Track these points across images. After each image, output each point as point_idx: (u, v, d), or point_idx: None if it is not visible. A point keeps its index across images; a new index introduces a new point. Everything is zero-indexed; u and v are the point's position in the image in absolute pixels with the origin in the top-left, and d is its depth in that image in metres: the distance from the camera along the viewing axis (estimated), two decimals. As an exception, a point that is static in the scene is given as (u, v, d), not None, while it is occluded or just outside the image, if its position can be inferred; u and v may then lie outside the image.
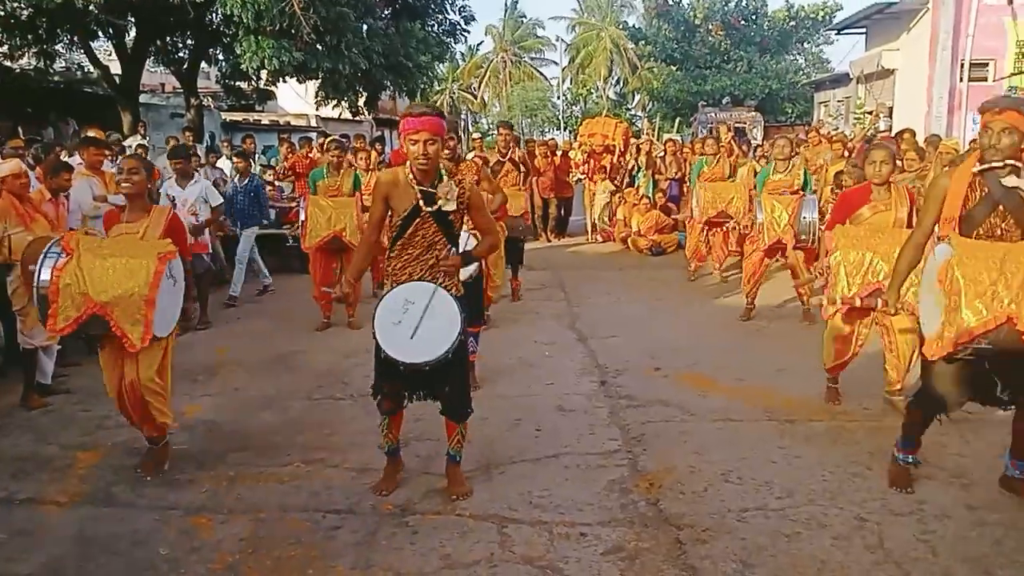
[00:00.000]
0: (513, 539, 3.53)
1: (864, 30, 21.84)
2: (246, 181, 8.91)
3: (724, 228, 9.58)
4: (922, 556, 3.32)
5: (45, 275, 3.90)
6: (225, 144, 13.72)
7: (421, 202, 3.66)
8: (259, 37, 12.31)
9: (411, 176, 3.67)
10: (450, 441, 3.96)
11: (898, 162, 7.60)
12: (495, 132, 12.62)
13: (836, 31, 25.22)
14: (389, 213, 3.77)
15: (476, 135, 17.03)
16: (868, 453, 4.33)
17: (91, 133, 8.58)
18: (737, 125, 22.66)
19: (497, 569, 3.30)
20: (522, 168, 9.26)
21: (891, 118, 18.05)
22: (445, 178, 3.71)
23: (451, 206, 3.69)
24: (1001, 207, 3.48)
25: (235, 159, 9.68)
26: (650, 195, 12.48)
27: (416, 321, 3.62)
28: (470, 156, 9.74)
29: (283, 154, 12.42)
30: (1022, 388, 3.48)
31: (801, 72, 31.32)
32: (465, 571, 3.30)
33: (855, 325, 4.93)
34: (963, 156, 5.93)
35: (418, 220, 3.69)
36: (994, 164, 3.45)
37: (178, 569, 3.36)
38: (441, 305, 3.65)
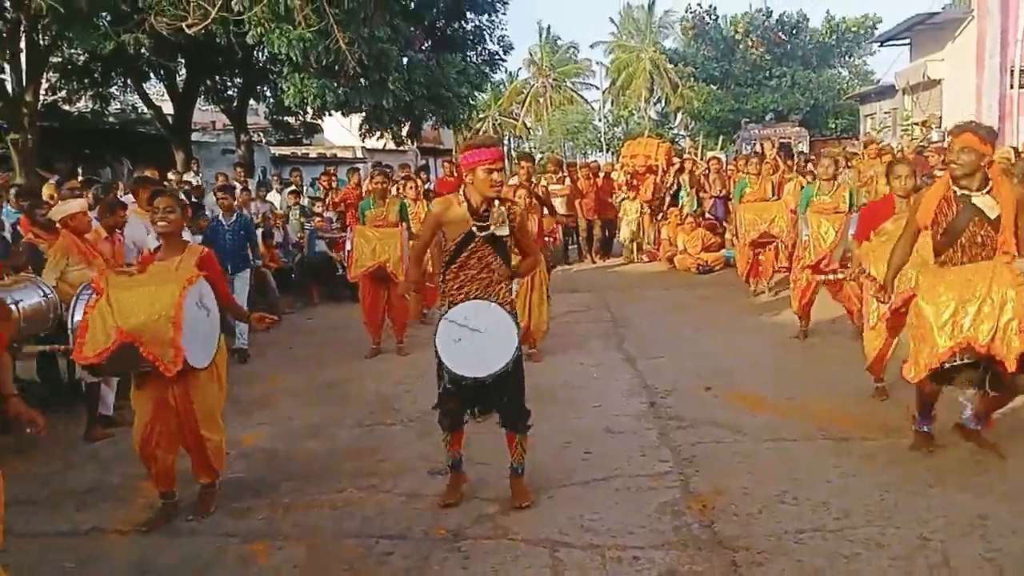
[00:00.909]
0: (565, 563, 3.52)
1: (908, 41, 21.52)
2: (232, 219, 7.89)
3: (770, 247, 9.47)
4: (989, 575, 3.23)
5: (78, 315, 3.89)
6: (275, 178, 14.00)
7: (474, 228, 3.87)
8: (303, 75, 12.62)
9: (464, 203, 3.88)
10: (512, 454, 4.10)
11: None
12: (542, 157, 12.63)
13: (879, 43, 24.89)
14: (442, 238, 4.00)
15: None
16: (926, 470, 4.24)
17: (147, 173, 8.85)
18: (782, 140, 22.39)
19: (550, 593, 3.30)
20: (544, 207, 9.11)
21: (941, 128, 17.72)
22: (496, 204, 3.90)
23: (504, 231, 3.90)
24: (977, 217, 4.09)
25: (218, 194, 8.27)
26: (694, 214, 12.41)
27: (475, 338, 3.81)
28: (512, 181, 9.78)
29: (322, 187, 12.59)
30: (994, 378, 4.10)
31: (845, 84, 30.90)
32: (518, 595, 3.31)
33: (896, 332, 5.17)
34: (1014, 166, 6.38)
35: (472, 244, 3.90)
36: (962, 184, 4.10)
37: (237, 596, 3.43)
38: (498, 321, 3.85)
